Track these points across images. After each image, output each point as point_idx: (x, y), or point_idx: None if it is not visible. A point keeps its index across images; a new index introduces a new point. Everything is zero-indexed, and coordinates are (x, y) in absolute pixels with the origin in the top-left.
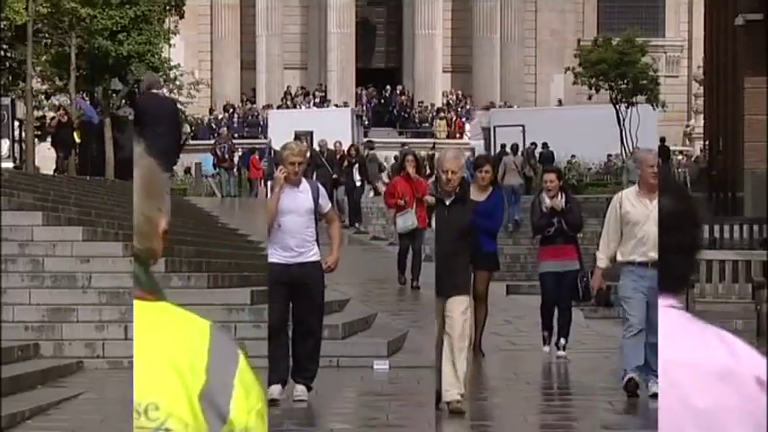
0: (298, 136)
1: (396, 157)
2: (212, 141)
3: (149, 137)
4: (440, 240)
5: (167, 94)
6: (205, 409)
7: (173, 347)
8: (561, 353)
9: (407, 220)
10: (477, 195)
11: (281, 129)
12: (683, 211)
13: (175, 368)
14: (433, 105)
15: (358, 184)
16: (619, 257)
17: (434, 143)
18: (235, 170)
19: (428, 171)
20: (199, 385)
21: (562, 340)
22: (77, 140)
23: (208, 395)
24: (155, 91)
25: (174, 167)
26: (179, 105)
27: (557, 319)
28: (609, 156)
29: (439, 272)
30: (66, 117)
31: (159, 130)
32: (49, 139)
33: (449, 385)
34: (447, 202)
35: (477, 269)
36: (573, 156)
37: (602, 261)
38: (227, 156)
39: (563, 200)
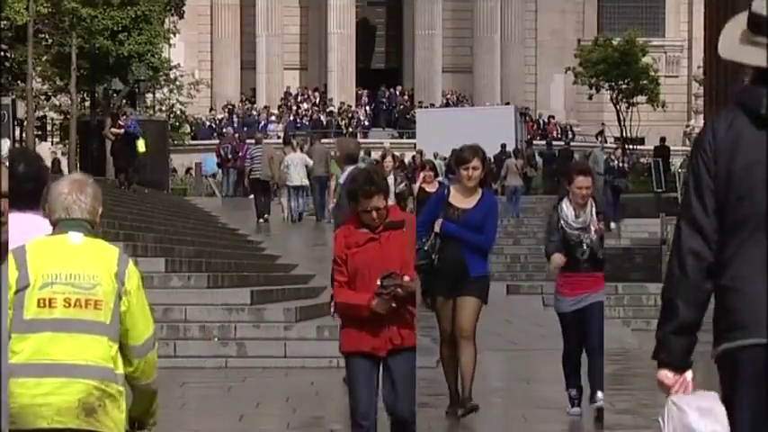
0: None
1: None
2: (212, 141)
3: None
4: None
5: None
6: (116, 279)
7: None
8: (598, 404)
9: None
10: (460, 201)
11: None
12: None
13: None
14: (432, 105)
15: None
16: None
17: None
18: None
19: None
20: (113, 270)
21: (599, 393)
22: (142, 150)
23: (118, 275)
24: None
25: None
26: (179, 105)
27: (587, 368)
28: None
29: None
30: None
31: None
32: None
33: None
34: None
35: (461, 296)
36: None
37: None
38: (230, 156)
39: (593, 210)
